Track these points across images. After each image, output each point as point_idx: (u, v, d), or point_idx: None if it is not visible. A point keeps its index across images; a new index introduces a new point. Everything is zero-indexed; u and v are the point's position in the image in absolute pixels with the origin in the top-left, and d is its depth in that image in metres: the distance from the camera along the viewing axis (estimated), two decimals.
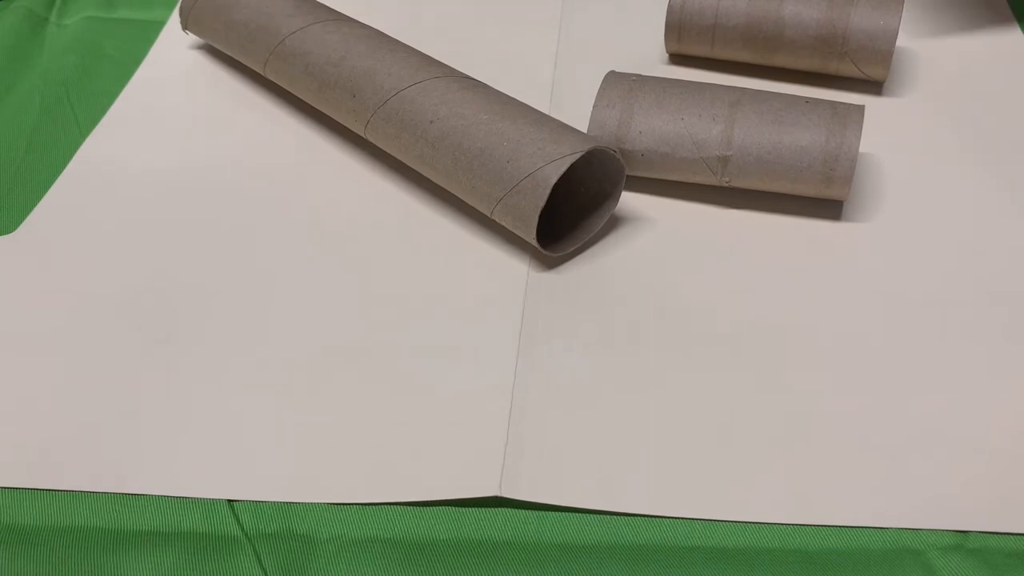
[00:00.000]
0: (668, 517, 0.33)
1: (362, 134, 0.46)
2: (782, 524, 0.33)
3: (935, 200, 0.45)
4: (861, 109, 0.42)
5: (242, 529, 0.33)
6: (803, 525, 0.33)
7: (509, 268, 0.42)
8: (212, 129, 0.50)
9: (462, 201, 0.44)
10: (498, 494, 0.34)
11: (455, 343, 0.39)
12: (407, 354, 0.39)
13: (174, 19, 0.57)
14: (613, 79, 0.45)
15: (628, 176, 0.43)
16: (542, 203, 0.39)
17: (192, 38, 0.56)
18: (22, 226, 0.45)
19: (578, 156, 0.39)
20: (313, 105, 0.48)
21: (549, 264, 0.42)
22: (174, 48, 0.56)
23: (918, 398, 0.37)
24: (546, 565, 0.32)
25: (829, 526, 0.33)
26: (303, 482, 0.35)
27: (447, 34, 0.54)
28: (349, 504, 0.34)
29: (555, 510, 0.34)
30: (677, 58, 0.53)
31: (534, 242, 0.40)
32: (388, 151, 0.45)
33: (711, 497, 0.34)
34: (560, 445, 0.35)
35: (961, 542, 0.33)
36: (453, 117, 0.42)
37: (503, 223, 0.41)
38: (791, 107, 0.43)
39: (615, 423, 0.36)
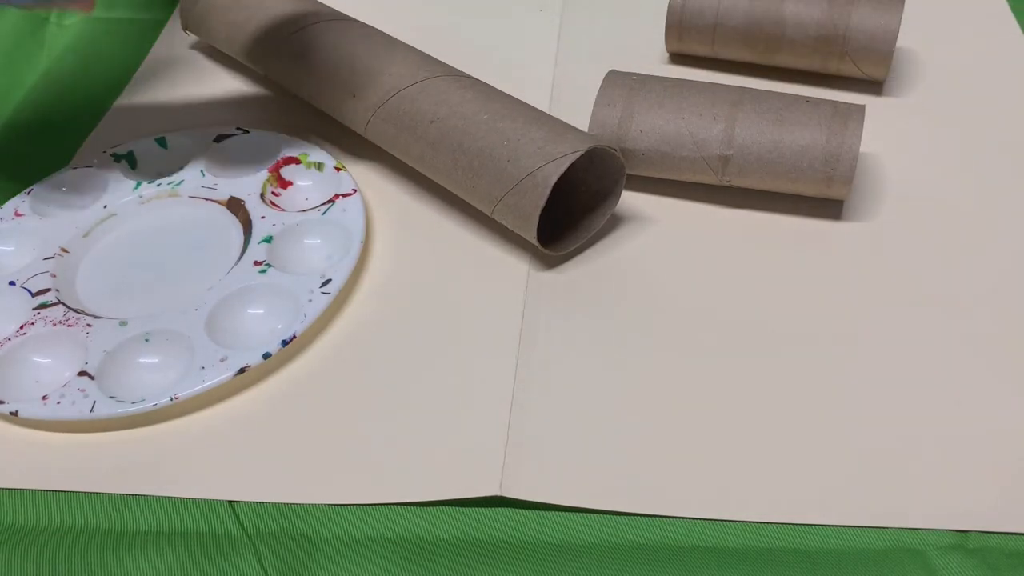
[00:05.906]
0: (668, 517, 0.33)
1: (362, 133, 0.46)
2: (782, 524, 0.33)
3: (935, 200, 0.45)
4: (862, 109, 0.42)
5: (243, 529, 0.33)
6: (803, 525, 0.33)
7: (509, 268, 0.42)
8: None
9: (462, 201, 0.44)
10: (499, 493, 0.34)
11: (455, 343, 0.39)
12: (407, 353, 0.39)
13: (174, 19, 0.57)
14: (614, 78, 0.45)
15: (629, 175, 0.43)
16: (543, 202, 0.39)
17: (192, 38, 0.56)
18: None
19: (579, 155, 0.39)
20: (313, 105, 0.48)
21: (549, 264, 0.42)
22: (174, 48, 0.56)
23: (918, 398, 0.37)
24: (546, 565, 0.32)
25: (829, 526, 0.33)
26: (303, 482, 0.35)
27: (447, 34, 0.54)
28: (349, 504, 0.34)
29: (555, 510, 0.34)
30: (677, 57, 0.53)
31: (535, 241, 0.40)
32: (388, 151, 0.45)
33: (711, 497, 0.34)
34: (560, 445, 0.35)
35: (961, 542, 0.33)
36: (453, 117, 0.42)
37: (504, 222, 0.41)
38: (792, 107, 0.42)
39: (615, 423, 0.36)
